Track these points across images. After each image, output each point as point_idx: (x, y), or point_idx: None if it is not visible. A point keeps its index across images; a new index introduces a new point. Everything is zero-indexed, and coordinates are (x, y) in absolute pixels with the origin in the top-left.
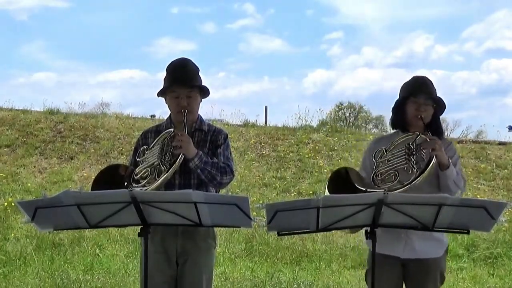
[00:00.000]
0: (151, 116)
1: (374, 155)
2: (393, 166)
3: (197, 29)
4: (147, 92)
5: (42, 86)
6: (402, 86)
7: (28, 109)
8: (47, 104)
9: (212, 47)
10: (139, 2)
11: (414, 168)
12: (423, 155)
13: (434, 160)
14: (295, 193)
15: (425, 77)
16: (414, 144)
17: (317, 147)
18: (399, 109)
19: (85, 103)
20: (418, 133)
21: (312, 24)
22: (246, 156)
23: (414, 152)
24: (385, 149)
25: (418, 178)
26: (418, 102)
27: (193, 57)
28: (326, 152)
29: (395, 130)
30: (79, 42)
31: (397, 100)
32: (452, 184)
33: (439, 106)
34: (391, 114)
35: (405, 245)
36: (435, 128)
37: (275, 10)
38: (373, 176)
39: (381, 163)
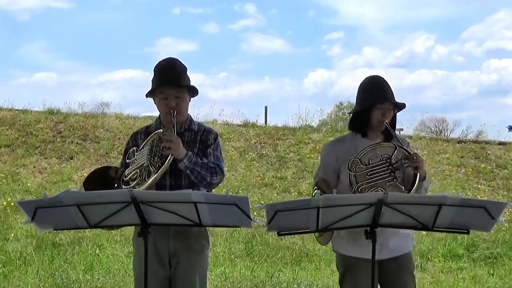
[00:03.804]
0: None
1: (348, 164)
2: (377, 182)
3: (198, 29)
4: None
5: (43, 86)
6: (361, 90)
7: (28, 109)
8: (47, 104)
9: (213, 48)
10: (141, 2)
11: (402, 186)
12: (404, 171)
13: (418, 177)
14: (295, 193)
15: (381, 78)
16: (395, 159)
17: (317, 147)
18: (362, 114)
19: (84, 103)
20: (395, 145)
21: (313, 25)
22: (246, 156)
23: (397, 168)
24: (359, 159)
25: None
26: (384, 108)
27: (195, 58)
28: None
29: (349, 132)
30: (81, 43)
31: (361, 106)
32: (423, 191)
33: (399, 108)
34: (351, 117)
35: (380, 245)
36: (392, 127)
37: (277, 10)
38: (354, 192)
39: (357, 176)
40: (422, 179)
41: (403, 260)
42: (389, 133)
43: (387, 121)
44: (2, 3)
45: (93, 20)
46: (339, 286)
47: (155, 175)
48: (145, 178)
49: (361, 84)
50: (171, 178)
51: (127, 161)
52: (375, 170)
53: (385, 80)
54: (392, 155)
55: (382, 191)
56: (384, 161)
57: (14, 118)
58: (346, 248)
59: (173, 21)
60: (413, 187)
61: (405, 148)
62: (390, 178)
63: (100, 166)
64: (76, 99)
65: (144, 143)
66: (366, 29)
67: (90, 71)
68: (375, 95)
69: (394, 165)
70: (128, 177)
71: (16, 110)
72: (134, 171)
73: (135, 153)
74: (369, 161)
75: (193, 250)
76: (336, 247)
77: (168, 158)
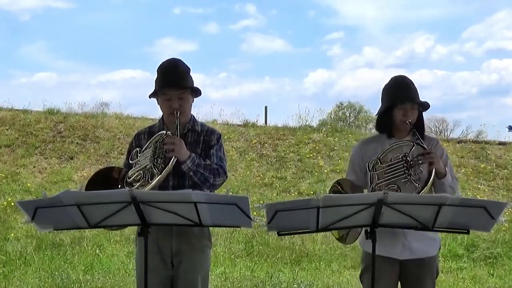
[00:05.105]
0: None
1: (368, 164)
2: (392, 180)
3: (199, 29)
4: (149, 92)
5: (43, 86)
6: (385, 90)
7: (28, 109)
8: (46, 104)
9: (213, 48)
10: (141, 2)
11: (416, 183)
12: (421, 168)
13: (433, 173)
14: (295, 193)
15: (406, 78)
16: (411, 156)
17: (317, 147)
18: (385, 114)
19: (84, 103)
20: (412, 143)
21: (313, 25)
22: (246, 156)
23: (412, 165)
24: (378, 159)
25: (421, 192)
26: (405, 108)
27: (195, 58)
28: (326, 152)
29: (379, 133)
30: (81, 43)
31: (383, 106)
32: (449, 189)
33: (424, 108)
34: (376, 118)
35: (403, 246)
36: (419, 127)
37: (277, 11)
38: (372, 190)
39: (377, 176)
40: (441, 176)
41: (426, 264)
42: (417, 129)
43: (410, 120)
44: (2, 3)
45: (93, 20)
46: (340, 286)
47: (158, 177)
48: (148, 179)
49: (386, 84)
50: (174, 180)
51: (130, 161)
52: (391, 168)
53: (408, 80)
54: (409, 153)
55: (395, 188)
56: (400, 158)
57: (14, 118)
58: (369, 245)
59: (173, 21)
60: (427, 184)
61: (422, 144)
62: (404, 175)
63: (103, 167)
64: (76, 99)
65: (147, 144)
66: (366, 29)
67: (90, 71)
68: (396, 95)
69: (410, 162)
70: (131, 178)
71: (16, 110)
72: (138, 173)
73: (138, 154)
74: (390, 160)
75: (196, 249)
76: (362, 244)
77: (172, 160)
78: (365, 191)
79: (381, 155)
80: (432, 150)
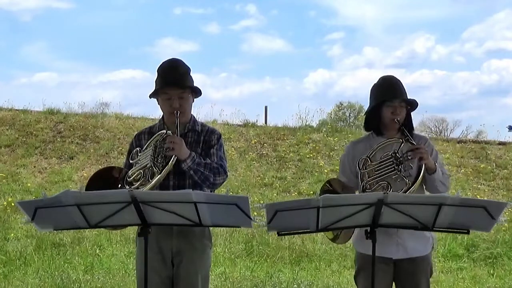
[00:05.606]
0: None
1: (358, 163)
2: (383, 177)
3: (199, 29)
4: (149, 92)
5: (43, 86)
6: (373, 89)
7: (28, 109)
8: (46, 104)
9: (214, 48)
10: (142, 2)
11: (406, 178)
12: (411, 163)
13: (423, 168)
14: (295, 193)
15: (394, 77)
16: (401, 152)
17: (317, 147)
18: (374, 113)
19: (84, 103)
20: (401, 140)
21: (313, 25)
22: (246, 156)
23: (401, 161)
24: (368, 157)
25: (411, 188)
26: (394, 105)
27: (196, 58)
28: (326, 152)
29: (369, 132)
30: (82, 43)
31: (371, 105)
32: (440, 185)
33: (412, 106)
34: (365, 117)
35: (397, 245)
36: (408, 126)
37: (278, 11)
38: (362, 188)
39: (367, 174)
40: (431, 171)
41: (419, 262)
42: (406, 128)
43: (398, 118)
44: (3, 3)
45: (94, 20)
46: (340, 286)
47: (158, 176)
48: (148, 178)
49: (374, 83)
50: (174, 179)
51: (131, 161)
52: (381, 165)
53: (396, 79)
54: (398, 149)
55: (385, 184)
56: (390, 155)
57: (14, 118)
58: (363, 246)
59: (174, 21)
60: (417, 179)
61: (411, 140)
62: (394, 171)
63: (104, 167)
64: (77, 99)
65: (147, 143)
66: (366, 30)
67: (90, 71)
68: (385, 93)
69: (400, 159)
70: (131, 178)
71: (16, 110)
72: (138, 172)
73: (139, 154)
74: (380, 158)
75: (196, 249)
76: (355, 245)
77: (172, 159)
78: (356, 192)
79: (370, 154)
80: (421, 145)
